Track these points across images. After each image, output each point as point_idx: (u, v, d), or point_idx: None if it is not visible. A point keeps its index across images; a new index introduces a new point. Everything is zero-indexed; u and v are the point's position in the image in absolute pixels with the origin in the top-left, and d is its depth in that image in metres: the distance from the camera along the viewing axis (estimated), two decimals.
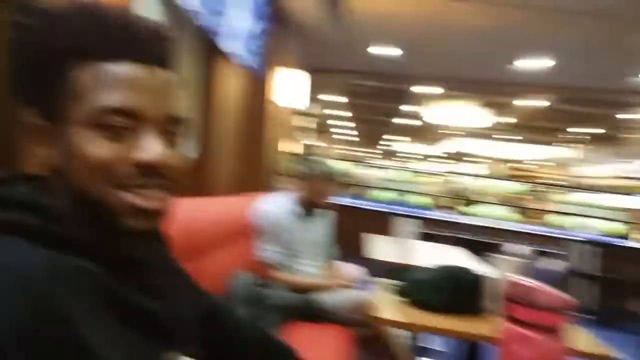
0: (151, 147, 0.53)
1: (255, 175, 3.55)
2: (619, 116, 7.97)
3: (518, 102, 7.83)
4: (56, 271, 0.45)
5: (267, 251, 2.17)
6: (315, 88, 8.45)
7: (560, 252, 4.99)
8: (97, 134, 0.51)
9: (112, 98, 0.51)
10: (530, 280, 0.56)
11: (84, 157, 0.51)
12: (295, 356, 0.89)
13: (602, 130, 9.11)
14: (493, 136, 10.86)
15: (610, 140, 9.60)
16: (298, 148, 6.55)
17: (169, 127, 0.56)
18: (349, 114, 11.64)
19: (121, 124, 0.52)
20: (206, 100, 2.74)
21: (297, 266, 2.27)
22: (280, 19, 3.62)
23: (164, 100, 0.55)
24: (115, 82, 0.52)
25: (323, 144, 16.60)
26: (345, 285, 2.23)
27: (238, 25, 2.83)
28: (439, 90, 6.80)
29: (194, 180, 2.62)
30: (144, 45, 0.54)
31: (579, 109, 7.77)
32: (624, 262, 5.01)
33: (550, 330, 0.51)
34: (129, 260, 0.56)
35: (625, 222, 5.43)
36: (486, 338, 1.43)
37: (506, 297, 0.56)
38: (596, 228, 5.77)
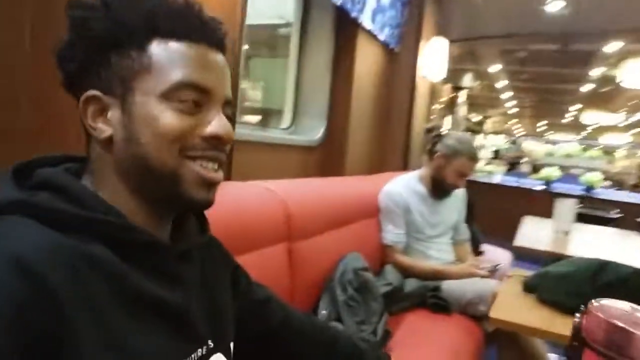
0: (218, 122, 0.58)
1: (393, 155, 3.46)
2: None
3: None
4: (62, 257, 0.45)
5: (391, 233, 2.11)
6: (474, 59, 7.88)
7: None
8: (171, 106, 0.55)
9: (189, 74, 0.55)
10: (633, 319, 0.40)
11: (157, 128, 0.54)
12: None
13: None
14: None
15: None
16: (446, 124, 6.18)
17: (226, 109, 0.61)
18: (519, 85, 10.51)
19: (193, 97, 0.56)
20: (339, 77, 2.74)
21: (425, 250, 2.17)
22: None
23: (225, 82, 0.60)
24: (190, 60, 0.56)
25: (483, 119, 15.44)
26: (479, 273, 2.04)
27: None
28: (618, 45, 5.65)
29: (325, 160, 2.67)
30: (211, 29, 0.59)
31: None
32: None
33: None
34: (152, 245, 0.55)
35: None
36: None
37: (578, 334, 0.42)
38: None
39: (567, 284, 1.35)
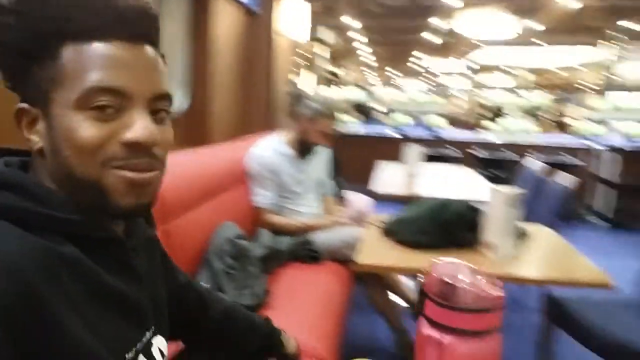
0: (139, 126, 0.53)
1: (259, 116, 3.49)
2: None
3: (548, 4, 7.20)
4: (41, 259, 0.47)
5: (262, 196, 2.18)
6: (330, 13, 8.07)
7: (580, 164, 4.86)
8: (85, 115, 0.52)
9: (97, 77, 0.52)
10: (457, 275, 0.51)
11: (74, 140, 0.52)
12: (269, 326, 0.93)
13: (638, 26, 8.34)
14: (521, 44, 10.14)
15: None
16: (308, 83, 6.34)
17: (157, 104, 0.57)
18: (368, 37, 11.08)
19: (108, 103, 0.52)
20: (197, 42, 2.64)
21: (295, 207, 2.28)
22: None
23: (151, 78, 0.56)
24: (100, 61, 0.52)
25: (341, 71, 16.10)
26: (343, 222, 2.24)
27: None
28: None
29: (189, 130, 2.61)
30: (129, 22, 0.54)
31: (614, 2, 7.10)
32: None
33: (469, 334, 0.47)
34: (110, 240, 0.57)
35: None
36: None
37: (422, 291, 0.52)
38: (622, 132, 5.52)
39: (417, 226, 1.57)
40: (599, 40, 9.15)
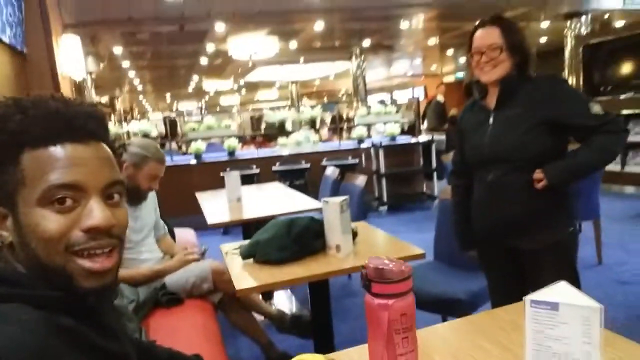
0: (96, 213, 0.61)
1: None
2: (387, 28, 9.07)
3: (299, 27, 8.25)
4: (51, 330, 0.54)
5: None
6: (94, 42, 7.53)
7: (353, 162, 5.85)
8: (48, 210, 0.59)
9: (54, 177, 0.59)
10: (382, 260, 0.76)
11: (40, 233, 0.59)
12: None
13: (373, 42, 10.28)
14: (281, 62, 11.29)
15: (382, 48, 10.94)
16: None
17: (111, 190, 0.64)
18: (142, 63, 10.69)
19: (66, 196, 0.60)
20: None
21: (137, 256, 2.22)
22: None
23: (103, 169, 0.64)
24: (56, 162, 0.60)
25: (115, 99, 15.07)
26: (189, 259, 2.28)
27: None
28: (222, 25, 6.76)
29: None
30: (78, 127, 0.62)
31: (352, 25, 8.61)
32: (399, 157, 6.16)
33: (400, 295, 0.72)
34: (90, 308, 0.64)
35: (396, 122, 6.52)
36: (324, 275, 1.72)
37: (366, 277, 0.75)
38: (381, 132, 6.81)
39: (275, 244, 1.78)
40: (347, 55, 10.90)
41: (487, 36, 1.58)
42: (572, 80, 7.34)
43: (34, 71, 3.08)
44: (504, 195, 1.62)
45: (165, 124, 6.73)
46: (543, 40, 10.83)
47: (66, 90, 3.40)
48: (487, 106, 1.67)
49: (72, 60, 3.39)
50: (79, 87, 8.76)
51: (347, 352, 1.02)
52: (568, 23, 8.36)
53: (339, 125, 7.49)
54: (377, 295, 0.72)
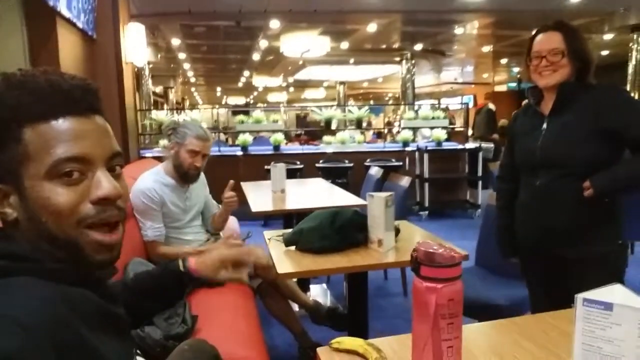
0: (105, 183, 0.63)
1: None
2: (440, 33, 8.95)
3: (352, 27, 8.28)
4: (67, 298, 0.56)
5: (152, 229, 2.17)
6: (154, 33, 7.85)
7: (397, 165, 5.81)
8: (56, 183, 0.60)
9: (61, 150, 0.60)
10: (431, 244, 0.78)
11: (50, 206, 0.60)
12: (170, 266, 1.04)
13: (425, 46, 10.15)
14: (331, 62, 11.34)
15: (434, 53, 10.80)
16: (160, 113, 6.09)
17: (113, 162, 0.66)
18: (197, 56, 11.04)
19: (73, 169, 0.61)
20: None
21: (182, 236, 2.32)
22: None
23: (104, 141, 0.65)
24: (60, 136, 0.60)
25: (169, 89, 15.61)
26: (232, 243, 2.34)
27: None
28: (277, 22, 6.88)
29: None
30: (76, 100, 0.63)
31: (404, 28, 8.55)
32: (444, 163, 6.05)
33: (449, 280, 0.74)
34: (96, 280, 0.67)
35: (444, 128, 6.41)
36: (365, 267, 1.73)
37: (415, 260, 0.76)
38: (427, 136, 6.72)
39: (319, 233, 1.81)
40: (397, 58, 10.82)
41: (549, 40, 1.56)
42: (635, 95, 6.99)
43: (101, 55, 3.25)
44: (551, 202, 1.58)
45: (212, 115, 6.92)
46: (605, 53, 10.35)
47: (128, 75, 3.58)
48: (541, 111, 1.64)
49: (135, 47, 3.56)
50: (137, 76, 9.16)
51: (387, 340, 1.02)
52: (634, 35, 7.96)
53: (385, 128, 7.44)
54: (425, 278, 0.73)
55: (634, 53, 7.88)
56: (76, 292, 0.59)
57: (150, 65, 10.14)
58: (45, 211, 0.60)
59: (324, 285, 3.40)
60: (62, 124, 0.61)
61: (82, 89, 0.64)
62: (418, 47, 9.98)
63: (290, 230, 1.96)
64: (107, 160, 0.65)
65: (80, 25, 2.77)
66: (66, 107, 0.61)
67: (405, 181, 3.43)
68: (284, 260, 1.76)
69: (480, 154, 5.99)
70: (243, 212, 2.90)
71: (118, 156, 0.67)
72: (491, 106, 8.19)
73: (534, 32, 1.61)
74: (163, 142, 5.92)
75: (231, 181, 2.45)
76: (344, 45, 9.37)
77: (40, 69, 0.63)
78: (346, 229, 1.84)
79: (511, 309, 1.92)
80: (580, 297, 0.74)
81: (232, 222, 3.57)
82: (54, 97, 0.61)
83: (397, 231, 1.98)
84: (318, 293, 3.31)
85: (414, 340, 0.78)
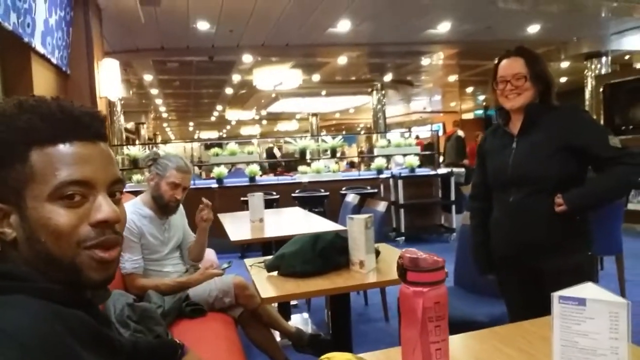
0: (105, 207, 0.65)
1: None
2: (408, 64, 9.28)
3: (323, 60, 8.51)
4: (62, 317, 0.57)
5: (130, 261, 2.14)
6: (126, 69, 7.87)
7: (372, 192, 5.90)
8: (58, 205, 0.62)
9: (66, 173, 0.62)
10: (415, 251, 0.81)
11: (51, 227, 0.61)
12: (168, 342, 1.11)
13: (394, 76, 10.49)
14: (303, 94, 11.56)
15: (402, 83, 11.15)
16: (134, 148, 6.06)
17: (114, 188, 0.68)
18: (170, 91, 11.07)
19: (77, 192, 0.63)
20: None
21: (161, 268, 2.29)
22: (83, 4, 3.28)
23: (109, 166, 0.68)
24: (65, 159, 0.63)
25: (140, 125, 15.50)
26: (212, 273, 2.32)
27: (41, 18, 2.52)
28: (249, 57, 7.03)
29: None
30: (85, 126, 0.65)
31: (373, 60, 8.84)
32: (418, 189, 6.18)
33: (434, 284, 0.77)
34: (88, 302, 0.67)
35: (415, 154, 6.58)
36: (347, 288, 1.75)
37: (402, 267, 0.80)
38: (400, 163, 6.87)
39: (299, 257, 1.82)
40: (368, 89, 11.12)
41: (512, 66, 1.67)
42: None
43: (75, 90, 3.26)
44: (524, 217, 1.66)
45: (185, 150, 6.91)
46: (563, 80, 10.92)
47: (102, 110, 3.57)
48: (510, 132, 1.73)
49: (110, 82, 3.57)
50: (109, 111, 9.09)
51: (375, 354, 1.05)
52: (588, 63, 8.45)
53: (358, 157, 7.58)
54: (412, 283, 0.77)
55: (589, 80, 8.35)
56: (69, 312, 0.60)
57: (122, 102, 10.10)
58: (45, 231, 0.61)
59: (305, 314, 3.37)
60: (68, 148, 0.63)
61: (91, 116, 0.67)
62: (387, 77, 10.30)
63: (271, 257, 1.97)
64: (109, 186, 0.67)
65: (54, 61, 2.78)
66: (75, 132, 0.64)
67: (382, 206, 3.49)
68: (267, 286, 1.76)
69: (453, 179, 6.15)
70: (220, 244, 2.88)
71: (119, 182, 0.69)
72: (460, 133, 8.47)
73: (497, 58, 1.72)
74: (137, 177, 5.88)
75: (203, 199, 2.42)
76: (316, 77, 9.60)
77: (53, 97, 0.66)
78: (328, 252, 1.86)
79: (491, 325, 1.96)
80: (556, 295, 0.79)
81: (210, 254, 3.54)
82: (64, 122, 0.63)
83: (378, 253, 2.01)
84: (299, 322, 3.28)
85: (403, 346, 0.81)
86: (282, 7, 5.30)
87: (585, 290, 0.79)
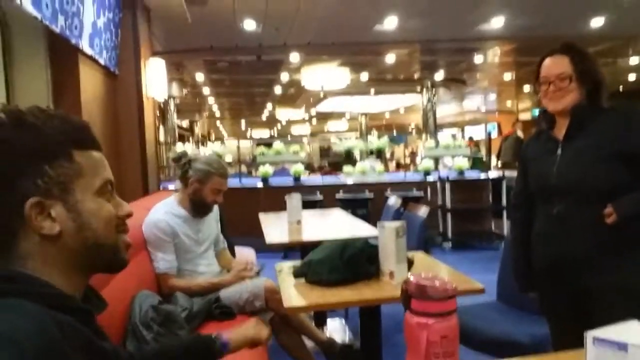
0: (125, 204, 0.79)
1: (134, 176, 3.39)
2: (461, 62, 8.95)
3: (371, 58, 8.36)
4: (58, 323, 0.59)
5: (164, 261, 2.16)
6: (178, 68, 8.12)
7: (418, 195, 5.72)
8: (103, 197, 0.74)
9: (106, 174, 0.75)
10: (425, 277, 0.72)
11: (102, 215, 0.73)
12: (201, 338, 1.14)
13: (445, 75, 10.16)
14: (351, 93, 11.44)
15: (454, 82, 10.78)
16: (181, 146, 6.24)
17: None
18: (221, 90, 11.34)
19: (110, 189, 0.76)
20: (65, 106, 2.53)
21: (195, 268, 2.30)
22: (131, 6, 3.39)
23: (110, 172, 0.79)
24: (101, 163, 0.75)
25: (194, 123, 16.00)
26: (244, 275, 2.30)
27: (89, 21, 2.62)
28: (296, 56, 7.02)
29: None
30: (93, 135, 0.76)
31: (423, 58, 8.60)
32: (467, 193, 5.92)
33: (442, 315, 0.68)
34: (85, 312, 0.70)
35: (465, 156, 6.32)
36: (374, 301, 1.67)
37: (406, 293, 0.72)
38: (448, 166, 6.62)
39: (328, 265, 1.76)
40: (418, 88, 10.85)
41: (556, 65, 1.52)
42: None
43: (122, 91, 3.36)
44: (569, 230, 1.50)
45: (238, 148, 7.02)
46: (632, 77, 10.13)
47: (149, 110, 3.67)
48: (555, 137, 1.58)
49: (156, 82, 3.66)
50: (162, 110, 9.43)
51: None
52: None
53: (406, 158, 7.40)
54: (416, 312, 0.68)
55: None
56: (66, 319, 0.61)
57: (177, 101, 10.45)
58: (97, 219, 0.72)
59: (342, 320, 3.30)
60: (96, 154, 0.75)
61: (89, 129, 0.76)
62: (438, 76, 9.99)
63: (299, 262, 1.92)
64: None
65: (102, 61, 2.87)
66: (96, 143, 0.76)
67: (423, 211, 3.35)
68: (292, 294, 1.71)
69: (504, 183, 5.85)
70: (261, 243, 2.87)
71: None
72: (520, 133, 8.08)
73: (541, 57, 1.57)
74: None
75: (250, 263, 2.40)
76: (364, 76, 9.46)
77: (53, 110, 0.75)
78: (356, 261, 1.78)
79: (534, 347, 1.81)
80: (590, 334, 0.68)
81: (250, 253, 3.55)
82: (89, 134, 0.75)
83: (411, 263, 1.91)
84: (335, 328, 3.22)
85: None
86: (327, 4, 5.24)
87: (629, 330, 0.67)
